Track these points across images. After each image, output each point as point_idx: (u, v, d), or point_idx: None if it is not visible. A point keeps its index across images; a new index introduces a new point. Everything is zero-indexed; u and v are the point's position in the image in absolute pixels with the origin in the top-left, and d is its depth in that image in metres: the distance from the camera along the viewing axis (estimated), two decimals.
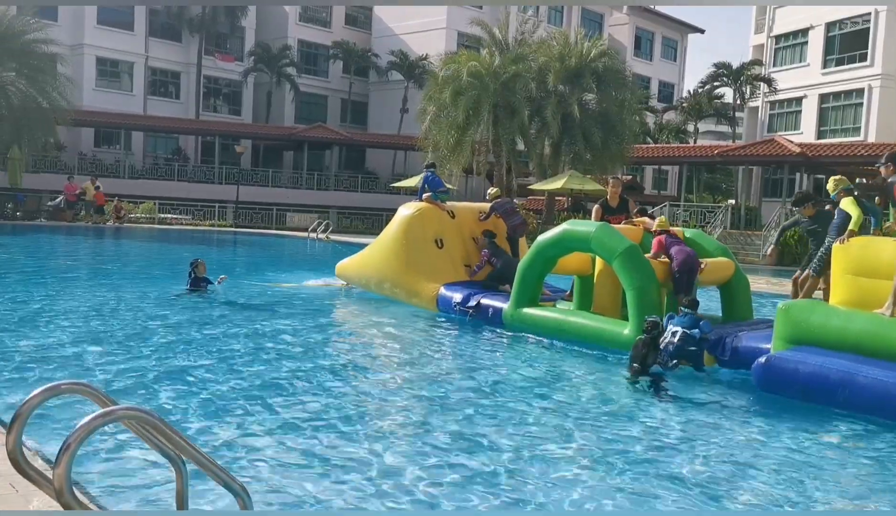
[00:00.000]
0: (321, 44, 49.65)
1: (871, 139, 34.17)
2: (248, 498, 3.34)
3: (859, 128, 35.83)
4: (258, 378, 7.38)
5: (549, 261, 10.26)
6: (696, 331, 8.21)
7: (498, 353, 9.61)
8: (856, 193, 9.70)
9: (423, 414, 6.54)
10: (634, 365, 7.89)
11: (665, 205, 31.11)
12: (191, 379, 7.20)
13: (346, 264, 13.77)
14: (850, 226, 9.52)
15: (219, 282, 13.25)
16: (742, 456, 5.83)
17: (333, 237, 29.71)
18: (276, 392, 6.90)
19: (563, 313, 10.25)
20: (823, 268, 9.98)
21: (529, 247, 10.79)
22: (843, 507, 4.95)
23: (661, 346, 7.88)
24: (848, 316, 7.28)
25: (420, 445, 5.69)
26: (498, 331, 10.59)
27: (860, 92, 35.94)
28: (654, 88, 51.57)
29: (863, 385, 6.53)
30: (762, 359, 7.37)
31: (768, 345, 7.86)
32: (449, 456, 5.44)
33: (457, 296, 11.49)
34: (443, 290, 11.78)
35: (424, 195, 13.01)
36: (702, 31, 55.07)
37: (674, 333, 8.06)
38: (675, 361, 7.92)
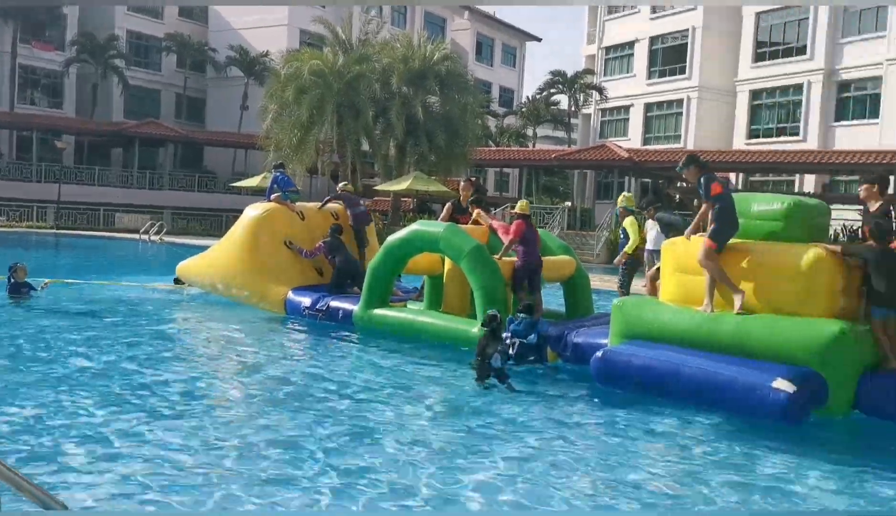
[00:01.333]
0: (152, 35, 47.18)
1: (690, 146, 36.98)
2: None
3: (680, 135, 38.70)
4: (86, 388, 6.90)
5: (398, 261, 10.32)
6: (533, 337, 8.54)
7: (347, 354, 9.53)
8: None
9: (273, 417, 6.36)
10: (477, 358, 8.10)
11: (507, 207, 32.14)
12: (5, 393, 6.63)
13: (188, 265, 13.15)
14: (626, 250, 10.25)
15: (42, 288, 12.27)
16: (576, 446, 6.12)
17: (168, 239, 28.32)
18: (106, 402, 6.48)
19: (413, 313, 10.32)
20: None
21: (380, 248, 10.78)
22: (662, 487, 5.30)
23: (499, 350, 8.12)
24: (675, 311, 7.80)
25: (262, 448, 5.53)
26: (348, 333, 10.50)
27: (680, 102, 38.83)
28: (495, 93, 53.16)
29: (687, 375, 7.02)
30: (599, 354, 7.74)
31: (606, 340, 8.29)
32: (290, 454, 5.33)
33: (306, 300, 11.30)
34: (291, 294, 11.54)
35: (273, 195, 12.66)
36: (539, 40, 57.43)
37: (512, 344, 8.35)
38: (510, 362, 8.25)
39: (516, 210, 10.25)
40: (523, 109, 46.27)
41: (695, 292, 7.80)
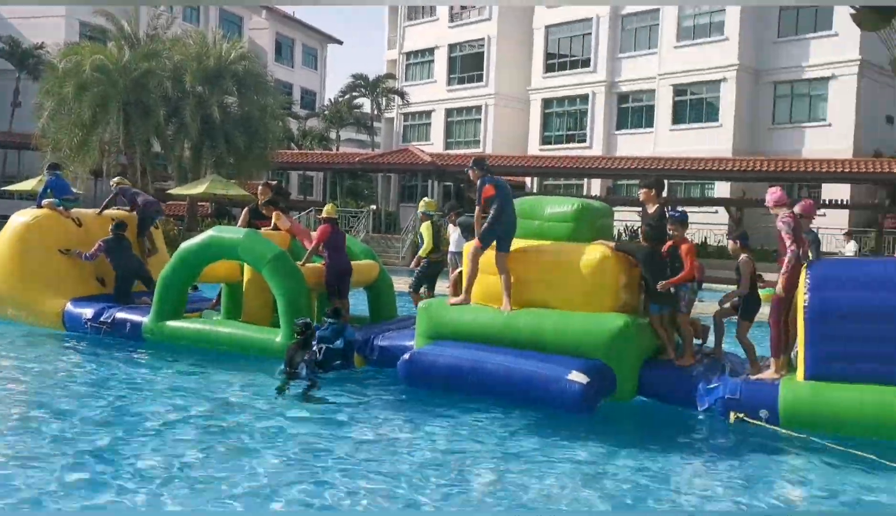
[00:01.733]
0: None
1: (489, 150, 38.46)
2: None
3: (479, 140, 40.16)
4: None
5: (193, 269, 9.75)
6: (340, 342, 8.44)
7: (137, 370, 8.83)
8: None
9: (59, 445, 5.74)
10: (285, 368, 7.91)
11: (311, 211, 31.68)
12: None
13: None
14: (420, 253, 10.50)
15: None
16: (386, 446, 6.09)
17: None
18: None
19: (210, 323, 9.81)
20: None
21: (172, 255, 10.13)
22: (481, 483, 5.40)
23: (309, 357, 7.97)
24: (477, 311, 8.02)
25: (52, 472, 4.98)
26: (137, 347, 9.76)
27: (478, 108, 40.32)
28: (297, 95, 52.23)
29: (490, 371, 7.24)
30: (406, 356, 7.79)
31: (412, 342, 8.34)
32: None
33: (87, 311, 10.36)
34: (70, 306, 10.53)
35: (45, 201, 11.45)
36: (340, 43, 57.24)
37: (319, 350, 8.20)
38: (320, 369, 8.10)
39: (323, 214, 10.02)
40: (326, 112, 45.85)
41: (496, 291, 8.05)
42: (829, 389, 6.56)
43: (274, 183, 13.20)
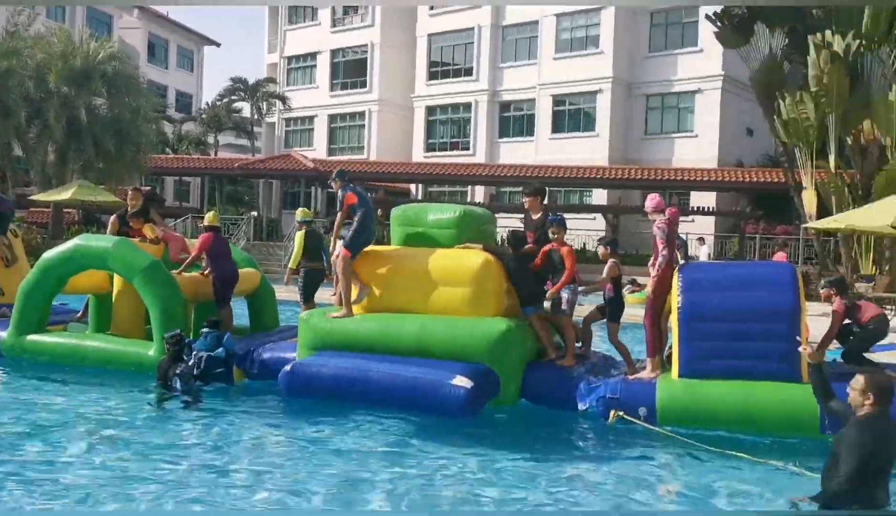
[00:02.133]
0: None
1: (373, 157, 38.38)
2: None
3: (363, 146, 39.96)
4: None
5: (58, 280, 9.16)
6: (221, 350, 8.17)
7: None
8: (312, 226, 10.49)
9: None
10: (159, 382, 7.64)
11: (188, 218, 30.54)
12: None
13: None
14: (290, 264, 10.30)
15: None
16: (264, 458, 5.92)
17: None
18: None
19: (77, 337, 9.25)
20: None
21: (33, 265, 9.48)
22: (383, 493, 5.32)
23: (183, 370, 7.70)
24: (360, 320, 7.93)
25: None
26: None
27: (362, 114, 40.11)
28: (172, 98, 50.31)
29: (374, 379, 7.17)
30: (287, 368, 7.59)
31: (294, 354, 8.15)
32: None
33: None
34: None
35: None
36: (218, 45, 55.53)
37: (198, 359, 7.92)
38: (194, 383, 7.84)
39: (205, 222, 9.71)
40: (203, 116, 44.34)
41: (380, 299, 7.98)
42: (702, 386, 6.88)
43: (146, 189, 12.54)
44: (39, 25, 30.77)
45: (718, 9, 24.49)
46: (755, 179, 27.61)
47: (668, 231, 7.45)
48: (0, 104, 25.53)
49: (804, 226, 22.35)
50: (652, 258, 7.52)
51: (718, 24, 24.13)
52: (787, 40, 23.68)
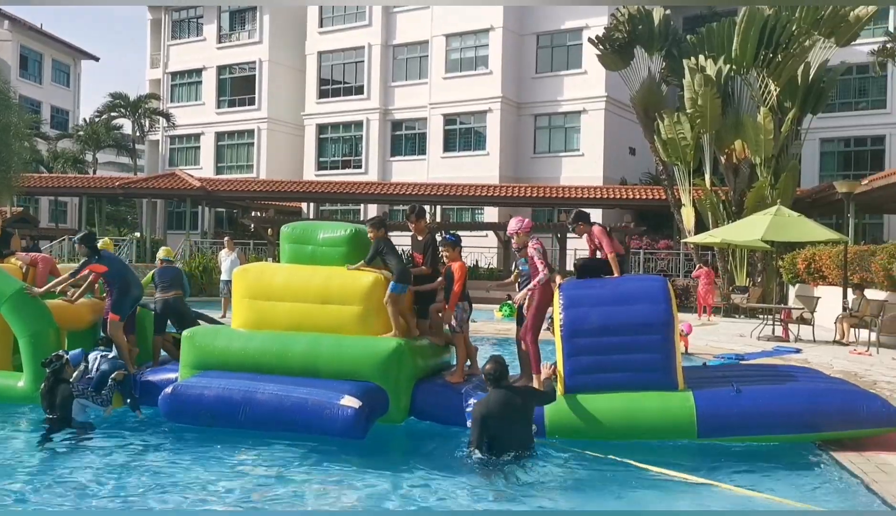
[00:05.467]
0: None
1: (263, 175, 37.67)
2: None
3: (252, 165, 39.15)
4: None
5: None
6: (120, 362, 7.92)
7: None
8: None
9: None
10: (46, 412, 7.24)
11: (64, 239, 29.00)
12: None
13: None
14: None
15: None
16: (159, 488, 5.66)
17: None
18: None
19: None
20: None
21: None
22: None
23: (90, 375, 7.37)
24: (248, 337, 7.72)
25: None
26: None
27: (251, 132, 39.33)
28: (46, 114, 47.78)
29: (261, 401, 6.97)
30: (168, 390, 7.30)
31: (177, 375, 7.84)
32: None
33: None
34: None
35: None
36: (96, 59, 53.20)
37: (103, 355, 7.64)
38: (109, 383, 7.48)
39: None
40: (81, 133, 42.28)
41: (269, 317, 7.79)
42: (586, 400, 7.06)
43: (19, 210, 11.81)
44: None
45: (600, 32, 25.52)
46: (638, 196, 28.81)
47: (542, 250, 7.70)
48: None
49: (684, 240, 23.47)
50: (529, 278, 7.73)
51: (600, 47, 25.13)
52: (664, 64, 24.94)
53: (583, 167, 32.51)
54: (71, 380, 7.50)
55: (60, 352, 7.70)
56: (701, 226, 23.10)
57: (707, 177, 23.05)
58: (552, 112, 33.75)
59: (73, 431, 7.22)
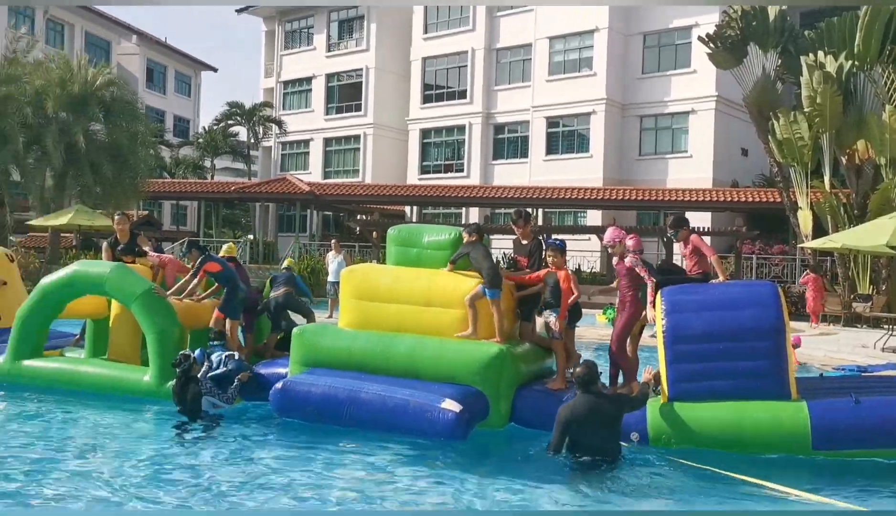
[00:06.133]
0: None
1: (369, 180, 38.53)
2: None
3: (358, 169, 40.12)
4: None
5: (56, 305, 9.21)
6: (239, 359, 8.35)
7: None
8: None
9: None
10: (178, 407, 7.70)
11: (184, 241, 30.59)
12: None
13: None
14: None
15: None
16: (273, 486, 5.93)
17: None
18: None
19: (73, 363, 9.27)
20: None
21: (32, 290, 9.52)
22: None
23: (211, 373, 7.81)
24: (353, 336, 7.95)
25: None
26: None
27: (357, 138, 40.31)
28: (169, 122, 50.58)
29: (364, 400, 7.18)
30: (279, 385, 7.61)
31: (286, 370, 8.17)
32: None
33: None
34: None
35: None
36: (215, 70, 55.91)
37: (229, 355, 8.05)
38: (235, 383, 7.90)
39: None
40: (200, 140, 44.56)
41: (373, 318, 8.00)
42: (690, 409, 6.90)
43: (144, 214, 12.63)
44: (38, 52, 31.00)
45: (711, 30, 24.76)
46: (750, 199, 27.75)
47: (642, 260, 7.67)
48: None
49: (800, 245, 22.44)
50: (626, 288, 7.67)
51: (711, 45, 24.38)
52: (780, 61, 23.93)
53: (691, 169, 31.62)
54: (199, 376, 7.96)
55: (188, 352, 8.16)
56: (819, 231, 22.00)
57: (826, 178, 21.94)
58: (659, 113, 32.98)
59: (201, 424, 7.64)
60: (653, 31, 32.97)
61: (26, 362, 9.12)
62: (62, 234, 29.58)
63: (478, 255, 7.78)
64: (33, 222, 27.40)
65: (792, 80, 23.65)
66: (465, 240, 8.02)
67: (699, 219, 29.77)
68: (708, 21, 29.30)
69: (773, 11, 23.34)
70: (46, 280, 9.31)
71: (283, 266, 10.54)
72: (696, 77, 31.44)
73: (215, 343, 8.54)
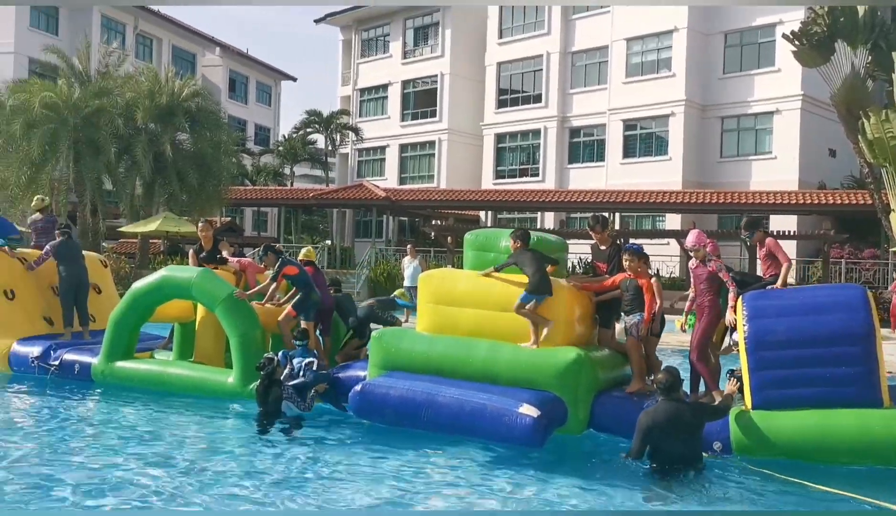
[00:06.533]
0: None
1: (444, 185, 38.76)
2: None
3: (433, 175, 40.41)
4: None
5: (146, 309, 9.61)
6: (319, 364, 8.52)
7: (91, 412, 8.62)
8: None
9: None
10: (261, 409, 7.91)
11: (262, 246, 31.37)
12: None
13: None
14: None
15: None
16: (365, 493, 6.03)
17: None
18: None
19: (162, 364, 9.64)
20: None
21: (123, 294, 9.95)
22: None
23: (291, 382, 8.00)
24: (431, 341, 8.01)
25: None
26: (88, 388, 9.52)
27: (432, 143, 40.62)
28: (251, 131, 52.04)
29: (442, 404, 7.22)
30: (357, 387, 7.73)
31: (365, 373, 8.29)
32: None
33: (35, 350, 10.10)
34: (17, 346, 10.27)
35: None
36: (294, 79, 57.30)
37: (308, 364, 8.21)
38: (311, 393, 8.07)
39: (301, 257, 10.05)
40: (280, 148, 45.70)
41: (450, 322, 8.03)
42: (774, 417, 6.68)
43: (227, 220, 13.01)
44: (129, 65, 32.38)
45: (796, 27, 23.93)
46: (839, 202, 26.68)
47: (723, 265, 7.51)
48: (92, 141, 26.91)
49: (893, 249, 21.45)
50: (704, 293, 7.50)
51: (796, 42, 23.57)
52: (870, 57, 22.95)
53: (775, 171, 30.61)
54: (281, 379, 8.17)
55: (272, 355, 8.38)
56: None
57: None
58: (741, 113, 32.07)
59: (282, 425, 7.83)
60: (734, 29, 32.11)
61: (119, 363, 9.54)
62: (151, 240, 30.79)
63: (524, 263, 7.66)
64: (124, 229, 28.63)
65: (883, 76, 22.61)
66: (511, 247, 7.91)
67: (784, 223, 28.78)
68: (793, 18, 28.33)
69: (862, 6, 22.41)
70: (137, 285, 9.72)
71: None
72: (781, 76, 30.45)
73: (298, 342, 8.74)
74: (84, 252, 11.77)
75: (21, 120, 26.11)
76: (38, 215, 12.02)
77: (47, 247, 10.87)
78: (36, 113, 25.95)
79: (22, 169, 26.26)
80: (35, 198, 12.68)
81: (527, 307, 7.50)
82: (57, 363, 9.90)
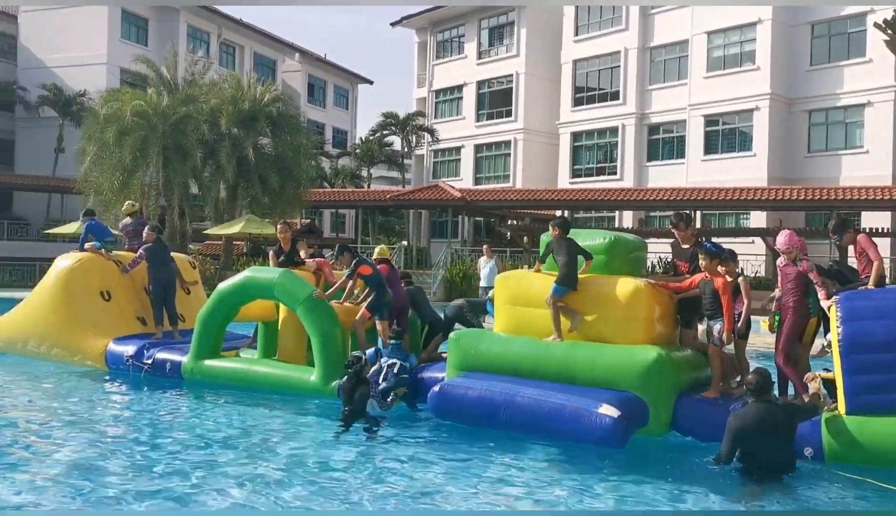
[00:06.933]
0: None
1: (519, 185, 38.60)
2: None
3: (509, 175, 40.30)
4: None
5: (231, 309, 9.92)
6: (413, 357, 8.63)
7: (181, 408, 8.96)
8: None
9: (107, 481, 5.84)
10: (345, 407, 8.04)
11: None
12: None
13: None
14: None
15: None
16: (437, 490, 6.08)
17: None
18: None
19: (247, 363, 9.93)
20: None
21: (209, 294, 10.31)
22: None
23: (379, 381, 8.12)
24: (507, 342, 8.01)
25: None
26: (178, 386, 9.90)
27: (507, 143, 40.53)
28: (329, 134, 53.02)
29: (520, 404, 7.20)
30: (436, 388, 7.79)
31: (444, 374, 8.35)
32: None
33: (129, 349, 10.56)
34: (112, 345, 10.76)
35: (87, 244, 11.75)
36: (370, 82, 58.07)
37: (390, 366, 8.33)
38: (391, 396, 8.19)
39: (376, 255, 10.18)
40: (357, 150, 46.42)
41: (527, 323, 8.02)
42: (871, 423, 6.41)
43: (307, 222, 13.30)
44: (213, 73, 33.48)
45: (889, 16, 22.86)
46: None
47: (813, 265, 7.26)
48: (179, 147, 27.95)
49: None
50: (791, 293, 7.27)
51: (889, 31, 22.51)
52: None
53: (867, 165, 29.30)
54: (369, 376, 8.31)
55: (360, 354, 8.53)
56: None
57: None
58: (830, 106, 30.84)
59: (365, 424, 7.96)
60: (822, 19, 30.90)
61: (207, 362, 9.88)
62: (234, 242, 31.75)
63: (559, 252, 7.75)
64: (209, 231, 29.62)
65: None
66: (552, 234, 8.00)
67: (877, 220, 27.51)
68: (885, 6, 27.04)
69: None
70: (223, 285, 10.04)
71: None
72: (872, 67, 29.14)
73: (392, 341, 8.87)
74: (173, 254, 12.24)
75: (114, 128, 27.33)
76: (128, 220, 12.54)
77: (140, 250, 11.34)
78: (127, 121, 27.11)
79: (115, 175, 27.48)
80: (125, 203, 13.24)
81: (549, 300, 7.54)
82: (150, 362, 10.32)
